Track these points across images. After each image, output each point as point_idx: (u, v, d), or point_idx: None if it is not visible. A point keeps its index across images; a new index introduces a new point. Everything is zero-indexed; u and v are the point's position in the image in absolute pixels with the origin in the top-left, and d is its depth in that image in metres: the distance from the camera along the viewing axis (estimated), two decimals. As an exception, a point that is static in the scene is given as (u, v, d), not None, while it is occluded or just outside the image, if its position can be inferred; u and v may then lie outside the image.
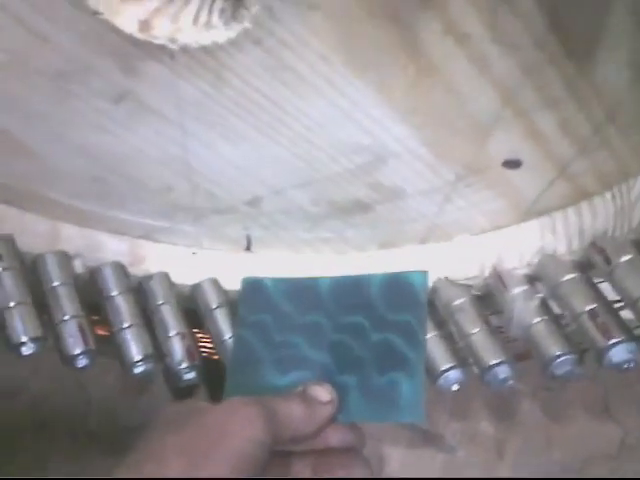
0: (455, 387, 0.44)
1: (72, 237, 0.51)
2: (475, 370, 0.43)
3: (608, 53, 0.32)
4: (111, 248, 0.51)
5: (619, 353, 0.37)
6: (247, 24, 0.32)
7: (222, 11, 0.33)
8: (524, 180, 0.40)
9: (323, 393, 0.39)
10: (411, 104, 0.35)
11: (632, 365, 0.37)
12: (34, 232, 0.50)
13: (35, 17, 0.33)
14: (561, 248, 0.42)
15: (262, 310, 0.49)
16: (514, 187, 0.41)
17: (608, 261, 0.39)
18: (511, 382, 0.43)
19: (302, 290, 0.48)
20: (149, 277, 0.51)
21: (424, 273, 0.45)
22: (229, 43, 0.33)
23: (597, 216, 0.41)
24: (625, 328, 0.37)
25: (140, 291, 0.51)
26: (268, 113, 0.37)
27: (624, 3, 0.29)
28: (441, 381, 0.44)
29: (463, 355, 0.44)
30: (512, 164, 0.39)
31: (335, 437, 0.39)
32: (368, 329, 0.45)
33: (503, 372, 0.42)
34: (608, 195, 0.40)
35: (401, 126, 0.37)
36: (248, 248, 0.52)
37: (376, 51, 0.32)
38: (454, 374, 0.44)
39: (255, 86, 0.36)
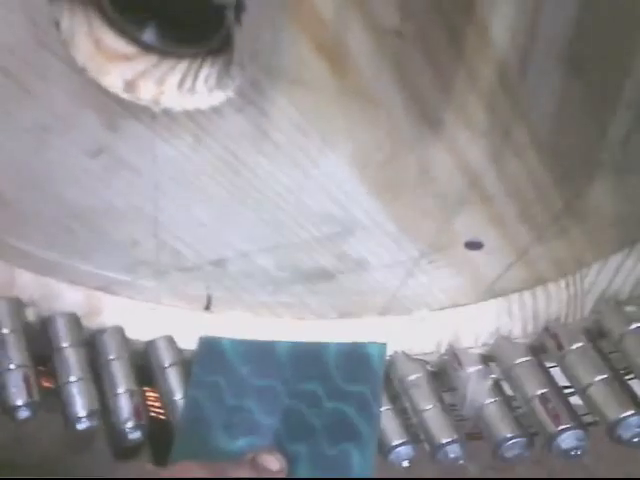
0: (405, 463, 0.44)
1: (28, 284, 0.50)
2: (426, 447, 0.43)
3: (569, 148, 0.34)
4: (67, 298, 0.50)
5: (568, 440, 0.38)
6: (230, 93, 0.33)
7: (207, 78, 0.34)
8: (484, 261, 0.42)
9: (273, 462, 0.39)
10: (382, 180, 0.37)
11: (579, 453, 0.38)
12: (-12, 277, 0.49)
13: (24, 72, 0.34)
14: (516, 330, 0.44)
15: (217, 371, 0.48)
16: (474, 267, 0.43)
17: (560, 347, 0.40)
18: (461, 461, 0.43)
19: (259, 353, 0.48)
20: (102, 330, 0.50)
21: (382, 345, 0.46)
22: (211, 109, 0.34)
23: (551, 301, 0.42)
24: (574, 415, 0.38)
25: (92, 344, 0.50)
26: (242, 178, 0.38)
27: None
28: (392, 456, 0.44)
29: (415, 431, 0.45)
30: (474, 245, 0.40)
31: None
32: (322, 397, 0.45)
33: (454, 451, 0.42)
34: (562, 282, 0.42)
35: (371, 200, 0.38)
36: (207, 307, 0.52)
37: (353, 127, 0.34)
38: (405, 450, 0.44)
39: (232, 151, 0.37)
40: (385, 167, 0.36)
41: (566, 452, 0.37)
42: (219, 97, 0.34)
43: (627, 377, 0.37)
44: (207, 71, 0.34)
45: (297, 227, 0.42)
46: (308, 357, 0.47)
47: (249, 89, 0.33)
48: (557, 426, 0.38)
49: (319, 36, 0.29)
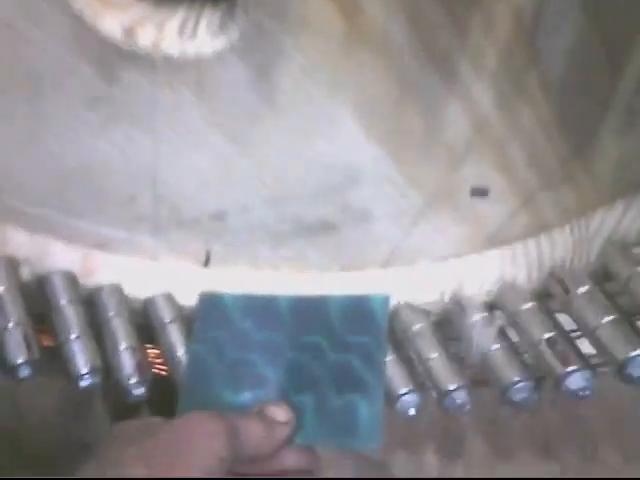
0: (412, 411, 0.45)
1: (22, 243, 0.49)
2: (433, 394, 0.44)
3: (579, 92, 0.33)
4: (63, 257, 0.49)
5: (576, 380, 0.38)
6: (234, 39, 0.32)
7: (209, 23, 0.33)
8: (489, 209, 0.42)
9: (281, 413, 0.39)
10: (389, 128, 0.36)
11: (587, 393, 0.38)
12: (-19, 236, 0.47)
13: (21, 20, 0.32)
14: (521, 277, 0.44)
15: (218, 326, 0.48)
16: (479, 215, 0.42)
17: (566, 291, 0.40)
18: (468, 407, 0.43)
19: (261, 307, 0.48)
20: (100, 288, 0.50)
21: (385, 297, 0.46)
22: (214, 55, 0.33)
23: (556, 247, 0.42)
24: (582, 357, 0.39)
25: (90, 303, 0.49)
26: (243, 127, 0.37)
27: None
28: (399, 405, 0.44)
29: (421, 380, 0.45)
30: (479, 192, 0.40)
31: (291, 459, 0.39)
32: (326, 350, 0.45)
33: (460, 397, 0.43)
34: (567, 228, 0.42)
35: (375, 148, 0.38)
36: (206, 263, 0.51)
37: (361, 74, 0.33)
38: (411, 398, 0.44)
39: (234, 99, 0.35)
40: (392, 115, 0.35)
41: (575, 392, 0.38)
42: (222, 42, 0.32)
43: (635, 317, 0.37)
44: (209, 16, 0.33)
45: (299, 178, 0.41)
46: (311, 310, 0.47)
47: (253, 34, 0.32)
48: (565, 367, 0.38)
49: (329, -25, 0.28)
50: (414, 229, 0.44)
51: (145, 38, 0.33)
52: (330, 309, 0.46)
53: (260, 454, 0.36)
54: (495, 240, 0.44)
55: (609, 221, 0.40)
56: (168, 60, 0.33)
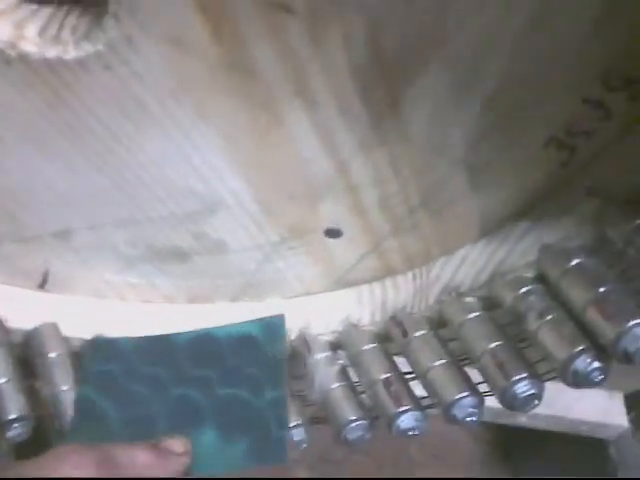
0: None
1: None
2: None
3: (434, 148, 0.36)
4: None
5: (407, 420, 0.40)
6: (100, 47, 0.31)
7: (74, 28, 0.31)
8: (340, 250, 0.43)
9: (176, 444, 0.38)
10: (252, 159, 0.36)
11: (417, 432, 0.40)
12: None
13: None
14: (365, 319, 0.45)
15: (108, 362, 0.46)
16: (330, 256, 0.44)
17: (404, 334, 0.42)
18: (305, 445, 0.43)
19: (154, 345, 0.47)
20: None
21: (280, 318, 0.46)
22: (76, 62, 0.32)
23: (399, 292, 0.45)
24: (414, 398, 0.41)
25: None
26: (102, 142, 0.36)
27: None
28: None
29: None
30: (333, 233, 0.41)
31: None
32: (215, 382, 0.44)
33: (299, 435, 0.43)
34: (410, 274, 0.44)
35: (237, 178, 0.38)
36: (42, 285, 0.48)
37: (229, 99, 0.33)
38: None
39: (94, 112, 0.34)
40: (257, 146, 0.36)
41: (405, 432, 0.39)
42: (87, 49, 0.31)
43: (463, 362, 0.40)
44: (75, 20, 0.32)
45: (156, 201, 0.40)
46: (204, 344, 0.46)
47: (122, 45, 0.31)
48: (397, 407, 0.39)
49: (206, -2, 0.28)
50: (268, 265, 0.45)
51: (2, 32, 0.31)
52: (222, 341, 0.46)
53: None
54: (344, 281, 0.46)
55: (447, 270, 0.43)
56: (24, 59, 0.31)
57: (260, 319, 0.46)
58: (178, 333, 0.47)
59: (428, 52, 0.30)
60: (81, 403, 0.44)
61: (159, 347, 0.47)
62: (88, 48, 0.31)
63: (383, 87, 0.32)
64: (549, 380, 0.36)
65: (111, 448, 0.35)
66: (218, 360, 0.45)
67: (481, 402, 0.38)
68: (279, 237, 0.42)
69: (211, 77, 0.32)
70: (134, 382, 0.45)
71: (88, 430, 0.42)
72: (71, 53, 0.31)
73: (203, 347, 0.46)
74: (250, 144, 0.35)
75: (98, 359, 0.46)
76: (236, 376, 0.44)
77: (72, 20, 0.32)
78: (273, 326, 0.46)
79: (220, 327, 0.47)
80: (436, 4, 0.28)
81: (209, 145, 0.35)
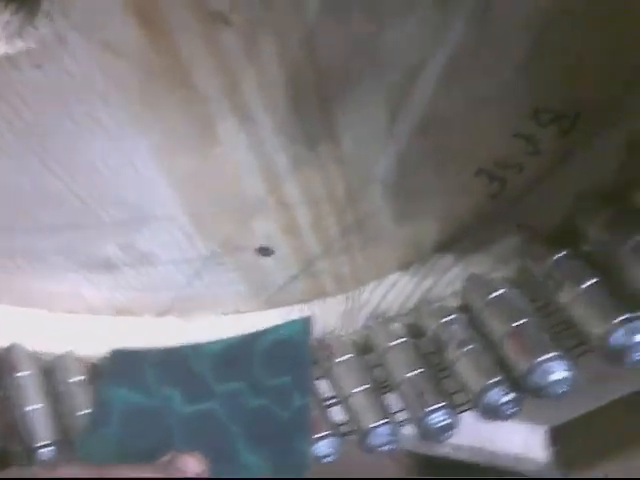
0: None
1: None
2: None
3: (368, 173, 0.36)
4: None
5: (323, 447, 0.39)
6: (31, 44, 0.30)
7: (6, 24, 0.31)
8: (272, 269, 0.43)
9: (192, 463, 0.36)
10: (185, 172, 0.36)
11: (330, 459, 0.39)
12: None
13: None
14: (293, 340, 0.45)
15: (127, 377, 0.45)
16: (261, 275, 0.43)
17: (330, 358, 0.42)
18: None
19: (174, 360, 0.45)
20: None
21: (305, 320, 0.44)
22: (5, 58, 0.31)
23: (329, 315, 0.44)
24: (331, 424, 0.40)
25: None
26: (29, 143, 0.35)
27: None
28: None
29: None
30: (265, 251, 0.41)
31: None
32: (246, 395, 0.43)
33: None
34: (340, 297, 0.44)
35: (170, 191, 0.37)
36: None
37: (165, 111, 0.32)
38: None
39: (21, 110, 0.33)
40: (190, 158, 0.35)
41: (320, 458, 0.39)
42: (17, 46, 0.30)
43: (385, 389, 0.40)
44: (7, 17, 0.31)
45: (86, 208, 0.39)
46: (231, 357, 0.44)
47: (54, 44, 0.30)
48: (315, 433, 0.39)
49: (142, 3, 0.28)
50: (197, 280, 0.44)
51: None
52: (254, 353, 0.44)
53: None
54: (274, 301, 0.46)
55: (377, 295, 0.43)
56: (-49, 53, 0.30)
57: (291, 321, 0.45)
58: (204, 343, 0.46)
59: (362, 71, 0.31)
60: (101, 406, 0.43)
61: (177, 362, 0.45)
62: (18, 45, 0.30)
63: (317, 106, 0.32)
64: (466, 411, 0.36)
65: (113, 468, 0.33)
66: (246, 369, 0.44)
67: (398, 430, 0.38)
68: (210, 252, 0.41)
69: (147, 85, 0.31)
70: (150, 398, 0.43)
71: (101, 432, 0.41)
72: (1, 49, 0.31)
73: (231, 356, 0.45)
74: (184, 157, 0.35)
75: (116, 373, 0.45)
76: (264, 386, 0.42)
77: (5, 16, 0.31)
78: (300, 327, 0.44)
79: (247, 334, 0.45)
80: (370, 22, 0.29)
81: (141, 155, 0.35)
